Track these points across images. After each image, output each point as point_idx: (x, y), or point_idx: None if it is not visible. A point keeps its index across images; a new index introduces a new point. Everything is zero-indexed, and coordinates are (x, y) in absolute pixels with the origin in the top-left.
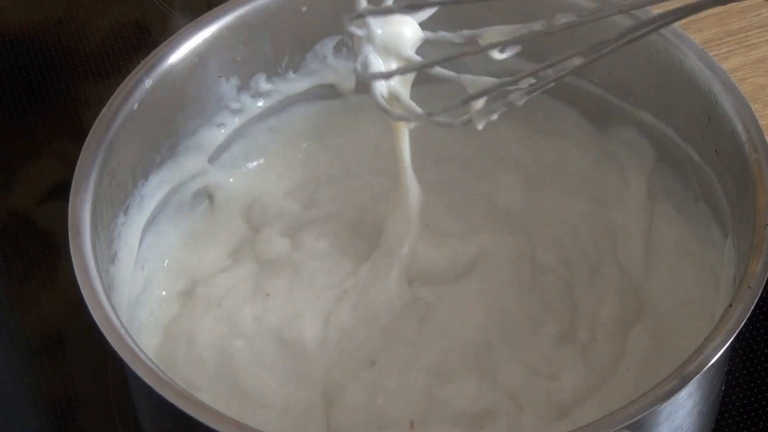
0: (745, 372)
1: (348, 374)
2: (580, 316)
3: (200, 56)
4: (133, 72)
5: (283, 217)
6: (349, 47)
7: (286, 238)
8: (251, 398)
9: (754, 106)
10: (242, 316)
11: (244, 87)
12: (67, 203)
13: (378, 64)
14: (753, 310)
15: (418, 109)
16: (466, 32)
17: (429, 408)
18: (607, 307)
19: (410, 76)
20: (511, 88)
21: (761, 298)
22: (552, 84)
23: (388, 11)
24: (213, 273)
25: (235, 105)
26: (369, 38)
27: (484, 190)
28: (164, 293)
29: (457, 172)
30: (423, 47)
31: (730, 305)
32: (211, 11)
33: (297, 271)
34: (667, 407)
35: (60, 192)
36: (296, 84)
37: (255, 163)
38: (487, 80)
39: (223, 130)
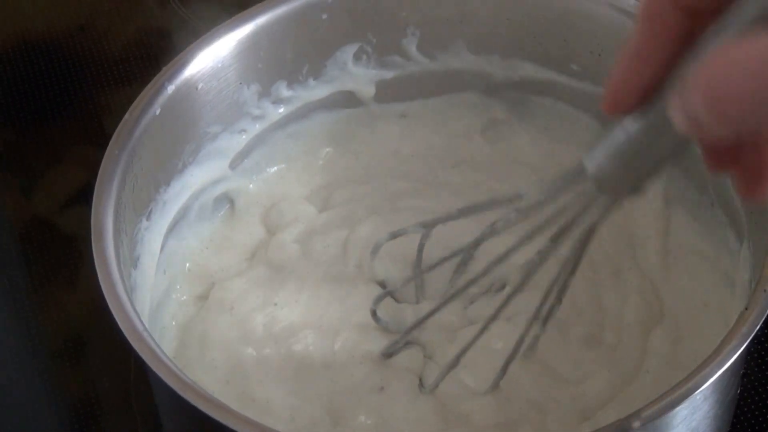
0: (760, 375)
1: (355, 398)
2: (608, 318)
3: (222, 63)
4: (156, 78)
5: (298, 220)
6: (369, 54)
7: (297, 244)
8: (259, 406)
9: None
10: (252, 323)
11: (265, 93)
12: (90, 208)
13: None
14: None
15: None
16: None
17: (447, 425)
18: (631, 310)
19: None
20: None
21: None
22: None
23: None
24: (229, 276)
25: (256, 111)
26: None
27: (501, 191)
28: (185, 297)
29: (476, 174)
30: None
31: (746, 309)
32: (232, 18)
33: (303, 282)
34: (683, 410)
35: (82, 197)
36: (316, 91)
37: (275, 169)
38: None
39: (244, 136)
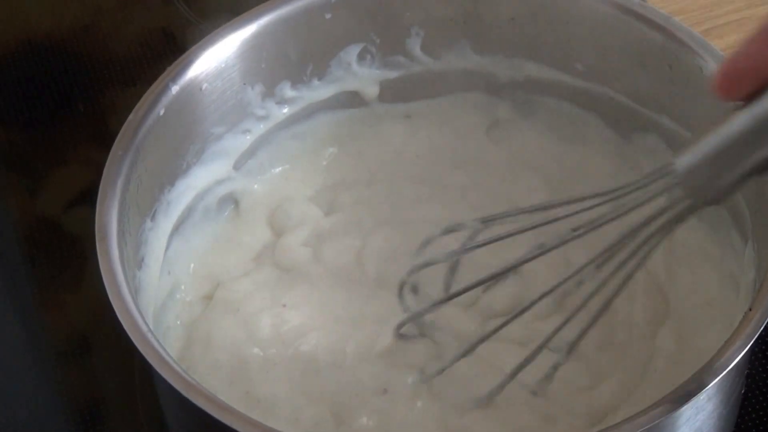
0: (764, 375)
1: (358, 399)
2: (618, 318)
3: (225, 63)
4: (160, 78)
5: (305, 223)
6: (373, 54)
7: (307, 247)
8: (263, 406)
9: None
10: (259, 323)
11: (269, 94)
12: (94, 209)
13: None
14: None
15: None
16: None
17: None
18: (639, 310)
19: None
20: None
21: None
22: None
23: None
24: (234, 277)
25: (260, 112)
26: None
27: (507, 192)
28: (189, 298)
29: (479, 175)
30: None
31: (750, 309)
32: (236, 18)
33: (314, 285)
34: (687, 410)
35: (87, 198)
36: (320, 91)
37: (279, 169)
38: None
39: (248, 137)
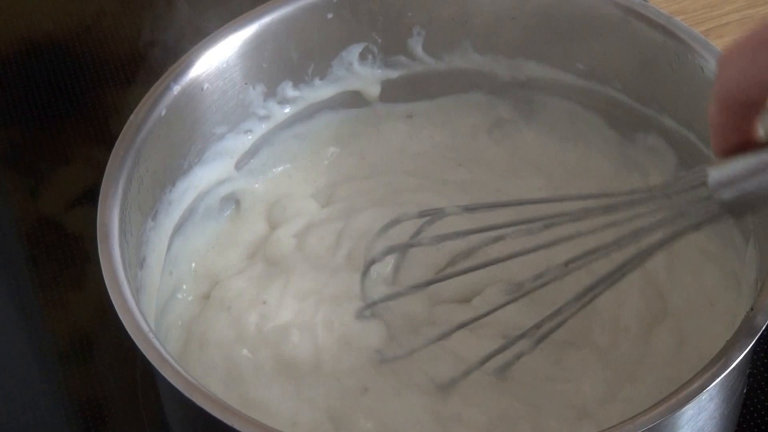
0: (766, 375)
1: (348, 402)
2: (598, 319)
3: (227, 63)
4: (161, 79)
5: (300, 216)
6: (374, 54)
7: (294, 239)
8: (259, 409)
9: None
10: (246, 322)
11: (270, 94)
12: (96, 209)
13: None
14: None
15: None
16: None
17: (444, 426)
18: (630, 310)
19: None
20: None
21: None
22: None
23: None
24: (231, 275)
25: (261, 111)
26: None
27: (508, 190)
28: (191, 297)
29: (481, 173)
30: None
31: (752, 309)
32: (237, 18)
33: (290, 277)
34: (689, 410)
35: (89, 197)
36: (322, 91)
37: (281, 169)
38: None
39: (249, 137)
